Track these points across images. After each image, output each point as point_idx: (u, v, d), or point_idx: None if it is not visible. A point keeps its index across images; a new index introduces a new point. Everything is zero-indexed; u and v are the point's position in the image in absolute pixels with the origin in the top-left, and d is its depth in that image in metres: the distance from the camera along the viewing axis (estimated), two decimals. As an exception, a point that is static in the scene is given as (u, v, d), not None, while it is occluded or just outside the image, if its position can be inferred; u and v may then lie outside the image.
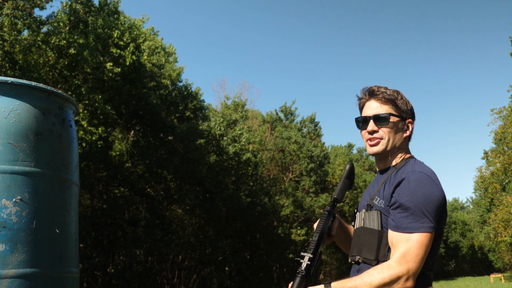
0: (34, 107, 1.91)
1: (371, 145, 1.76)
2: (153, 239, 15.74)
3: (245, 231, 20.27)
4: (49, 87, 1.99)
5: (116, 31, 13.18)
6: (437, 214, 1.58)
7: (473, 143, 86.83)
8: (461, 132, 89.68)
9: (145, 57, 15.39)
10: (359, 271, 1.70)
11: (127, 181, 15.46)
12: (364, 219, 1.71)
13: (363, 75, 72.54)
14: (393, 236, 1.60)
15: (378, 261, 1.64)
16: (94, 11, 13.84)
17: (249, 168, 19.66)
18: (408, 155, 1.79)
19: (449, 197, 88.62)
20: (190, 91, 18.44)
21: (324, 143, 30.60)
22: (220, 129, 18.59)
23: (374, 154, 1.77)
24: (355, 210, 1.87)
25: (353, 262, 1.75)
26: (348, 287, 1.55)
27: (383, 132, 1.73)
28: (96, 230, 14.96)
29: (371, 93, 1.79)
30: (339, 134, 72.47)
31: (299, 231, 22.28)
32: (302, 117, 30.56)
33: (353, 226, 1.83)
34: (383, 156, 1.78)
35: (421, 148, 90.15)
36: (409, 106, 1.80)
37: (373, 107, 1.76)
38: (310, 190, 25.13)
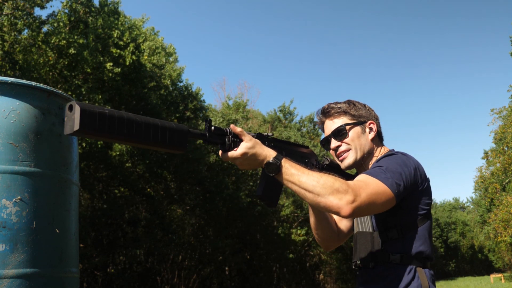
0: (34, 107, 1.91)
1: (342, 160, 1.74)
2: (153, 239, 15.74)
3: (245, 231, 20.26)
4: (49, 87, 1.99)
5: (116, 31, 13.18)
6: (406, 186, 1.53)
7: (473, 143, 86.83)
8: (461, 132, 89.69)
9: (145, 57, 15.38)
10: (363, 276, 1.68)
11: (127, 181, 15.45)
12: (359, 224, 1.71)
13: (363, 74, 72.61)
14: (359, 175, 1.57)
15: (374, 262, 1.62)
16: (94, 11, 13.84)
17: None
18: (385, 150, 1.77)
19: (449, 197, 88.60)
20: (191, 91, 18.44)
21: (324, 143, 30.59)
22: (220, 129, 18.57)
23: (347, 168, 1.75)
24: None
25: (356, 268, 1.73)
26: (295, 173, 1.43)
27: (347, 143, 1.73)
28: (96, 230, 14.96)
29: (324, 113, 1.79)
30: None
31: (299, 231, 22.27)
32: (301, 117, 30.55)
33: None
34: (358, 165, 1.76)
35: (421, 148, 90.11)
36: (366, 109, 1.79)
37: (329, 126, 1.76)
38: (310, 190, 25.10)
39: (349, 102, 1.79)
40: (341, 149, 1.73)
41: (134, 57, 13.52)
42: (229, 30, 65.58)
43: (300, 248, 23.70)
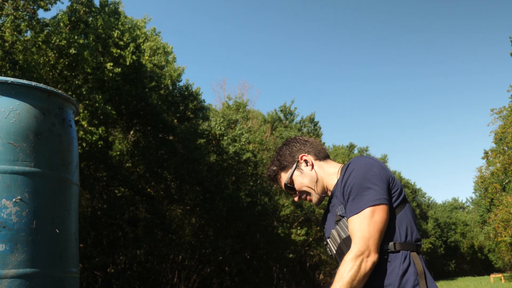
0: (34, 107, 1.91)
1: (312, 203, 1.93)
2: (153, 239, 15.73)
3: (245, 231, 20.26)
4: (49, 87, 1.99)
5: (116, 31, 13.17)
6: (381, 182, 1.61)
7: (473, 143, 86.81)
8: (461, 132, 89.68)
9: (146, 57, 15.38)
10: None
11: (127, 181, 15.45)
12: (338, 234, 1.69)
13: (363, 74, 72.62)
14: (350, 222, 1.62)
15: None
16: (95, 11, 13.83)
17: (249, 168, 19.66)
18: (339, 166, 1.82)
19: (449, 197, 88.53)
20: (191, 91, 18.44)
21: (324, 143, 30.62)
22: (220, 129, 18.58)
23: (319, 204, 1.85)
24: (325, 242, 1.83)
25: None
26: None
27: (301, 190, 1.83)
28: (96, 230, 14.96)
29: (271, 180, 1.93)
30: (340, 133, 72.55)
31: (299, 231, 22.27)
32: (302, 117, 30.55)
33: (331, 256, 1.83)
34: (325, 194, 1.84)
35: (421, 148, 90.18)
36: (290, 148, 1.87)
37: (282, 186, 1.89)
38: (310, 190, 25.09)
39: (277, 155, 1.90)
40: (303, 197, 1.85)
41: (134, 57, 13.51)
42: (229, 30, 65.62)
43: (300, 248, 23.70)
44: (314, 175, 1.81)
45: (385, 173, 1.65)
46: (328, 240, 1.78)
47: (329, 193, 1.84)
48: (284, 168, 1.86)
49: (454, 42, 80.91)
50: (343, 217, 1.67)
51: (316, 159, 1.84)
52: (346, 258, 1.55)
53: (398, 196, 1.66)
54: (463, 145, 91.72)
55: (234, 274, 20.33)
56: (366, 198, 1.58)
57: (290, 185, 1.83)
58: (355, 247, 1.55)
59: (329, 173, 1.81)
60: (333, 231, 1.73)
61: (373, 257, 1.54)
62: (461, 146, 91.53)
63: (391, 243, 1.62)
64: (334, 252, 1.75)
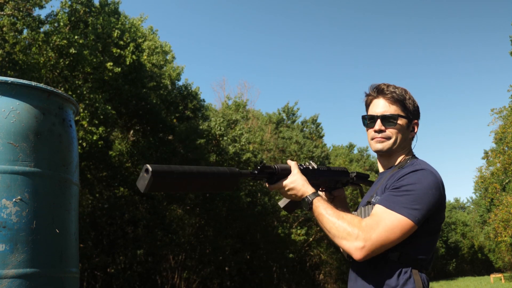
0: (34, 107, 1.91)
1: (377, 143, 1.73)
2: (153, 239, 15.73)
3: (245, 231, 20.25)
4: (49, 87, 1.99)
5: (116, 30, 13.17)
6: (428, 210, 1.54)
7: (473, 143, 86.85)
8: (461, 132, 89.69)
9: (145, 57, 15.37)
10: (357, 268, 1.67)
11: (127, 181, 15.44)
12: (361, 214, 1.69)
13: (363, 74, 72.53)
14: (376, 207, 1.58)
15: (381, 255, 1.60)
16: (95, 11, 13.83)
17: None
18: (410, 155, 1.77)
19: (449, 197, 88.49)
20: (190, 91, 18.43)
21: (325, 144, 30.61)
22: (220, 129, 18.57)
23: (378, 151, 1.75)
24: (354, 212, 1.84)
25: (350, 259, 1.70)
26: (320, 213, 1.59)
27: (390, 132, 1.71)
28: (96, 230, 14.96)
29: (380, 91, 1.75)
30: (340, 133, 72.56)
31: (299, 231, 22.25)
32: (305, 118, 30.56)
33: None
34: (387, 155, 1.76)
35: (421, 148, 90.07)
36: (416, 106, 1.78)
37: (381, 106, 1.73)
38: (310, 190, 25.07)
39: (406, 92, 1.77)
40: (383, 134, 1.72)
41: (134, 57, 13.51)
42: (229, 30, 65.63)
43: (300, 248, 23.69)
44: (406, 140, 1.74)
45: (440, 199, 1.59)
46: (355, 213, 1.79)
47: (388, 163, 1.77)
48: (405, 106, 1.73)
49: (454, 42, 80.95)
50: (373, 204, 1.64)
51: (413, 138, 1.80)
52: (354, 223, 1.52)
53: (434, 225, 1.61)
54: (463, 145, 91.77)
55: (234, 274, 20.32)
56: (407, 206, 1.52)
57: (394, 120, 1.70)
58: (362, 232, 1.50)
59: (404, 152, 1.76)
60: (360, 210, 1.74)
61: (359, 254, 1.49)
62: (461, 146, 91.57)
63: (396, 253, 1.56)
64: None
